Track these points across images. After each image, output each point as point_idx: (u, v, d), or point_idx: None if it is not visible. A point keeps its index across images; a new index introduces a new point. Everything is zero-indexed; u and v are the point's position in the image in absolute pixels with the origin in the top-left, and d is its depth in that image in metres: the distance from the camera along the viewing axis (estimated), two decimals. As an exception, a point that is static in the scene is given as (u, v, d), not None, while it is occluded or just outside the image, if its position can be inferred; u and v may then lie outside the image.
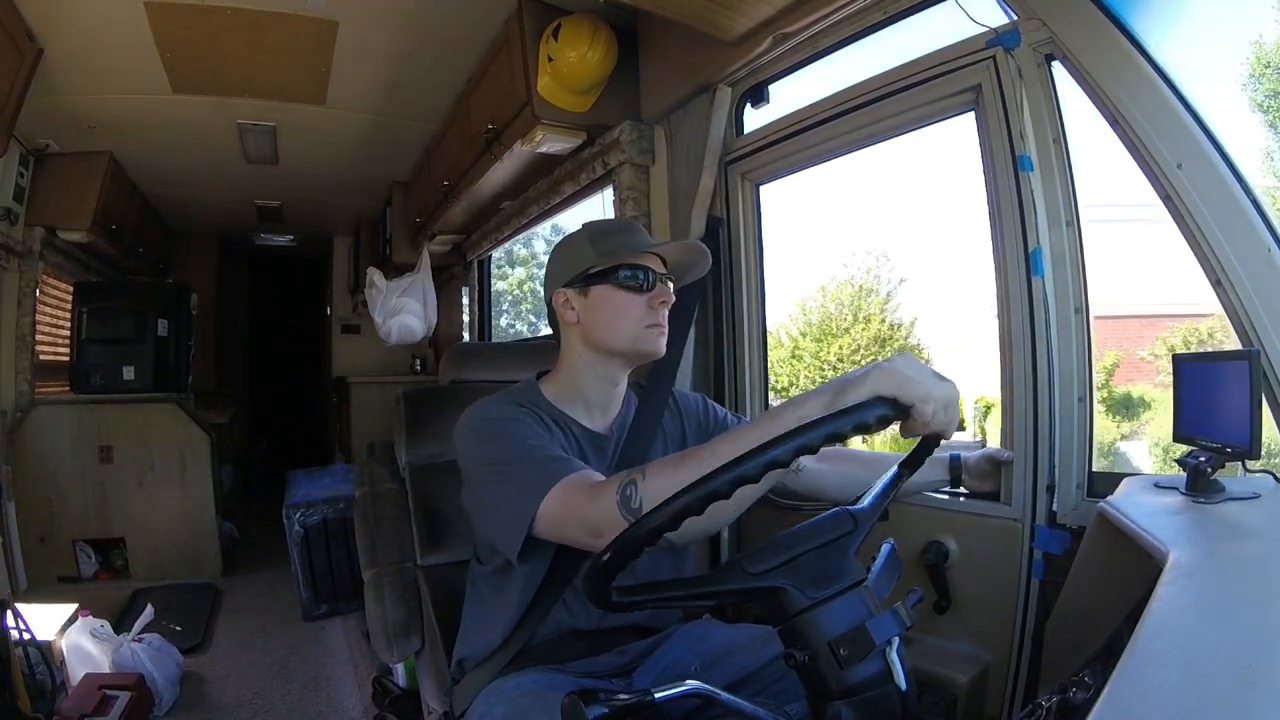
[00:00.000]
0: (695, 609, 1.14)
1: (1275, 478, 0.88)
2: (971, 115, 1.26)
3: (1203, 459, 0.86)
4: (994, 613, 1.19)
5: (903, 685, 0.58)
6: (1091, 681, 0.61)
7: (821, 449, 0.55)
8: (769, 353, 1.84)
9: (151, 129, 2.85)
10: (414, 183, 3.44)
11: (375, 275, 3.40)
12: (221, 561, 3.24)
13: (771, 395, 1.83)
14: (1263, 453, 0.81)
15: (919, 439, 0.67)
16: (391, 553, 1.34)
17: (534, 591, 0.96)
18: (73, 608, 2.17)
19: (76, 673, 1.93)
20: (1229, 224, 0.93)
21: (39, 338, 3.01)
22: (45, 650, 1.83)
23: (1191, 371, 0.95)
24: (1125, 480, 1.00)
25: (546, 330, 1.11)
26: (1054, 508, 1.15)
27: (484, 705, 0.89)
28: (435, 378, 1.64)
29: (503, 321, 4.23)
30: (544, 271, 1.08)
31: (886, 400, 0.59)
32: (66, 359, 3.27)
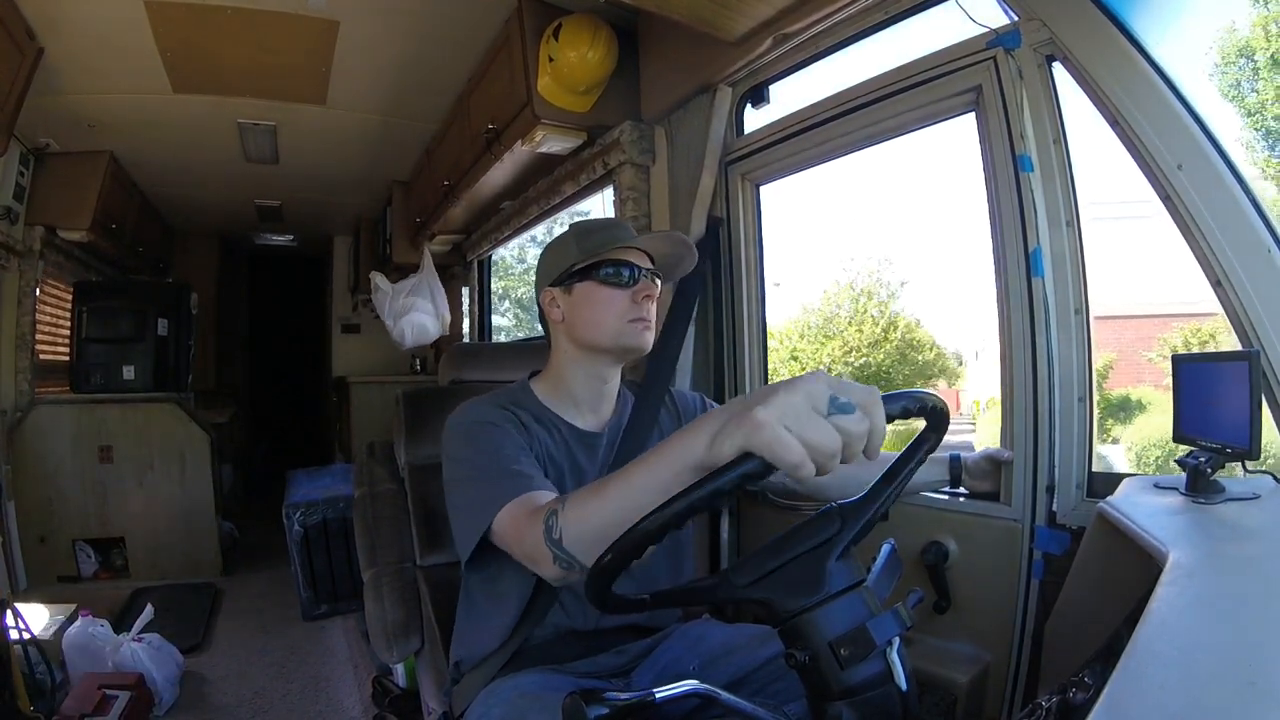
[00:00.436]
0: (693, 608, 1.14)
1: (1275, 478, 0.88)
2: (972, 116, 1.26)
3: (1203, 459, 0.86)
4: (994, 613, 1.19)
5: (903, 685, 0.58)
6: (1091, 682, 0.61)
7: None
8: (769, 354, 1.84)
9: (152, 128, 2.85)
10: (414, 182, 3.44)
11: (378, 279, 3.35)
12: (221, 561, 3.23)
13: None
14: (1262, 453, 0.81)
15: (915, 435, 0.67)
16: (391, 553, 1.34)
17: (529, 594, 0.96)
18: (73, 607, 2.17)
19: (76, 672, 1.93)
20: (1229, 224, 0.93)
21: (39, 337, 3.01)
22: (45, 650, 1.83)
23: (1191, 372, 0.95)
24: (1125, 481, 1.00)
25: None
26: (1054, 508, 1.15)
27: (483, 706, 0.89)
28: (435, 378, 1.63)
29: (507, 321, 4.21)
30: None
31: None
32: (66, 358, 3.26)
